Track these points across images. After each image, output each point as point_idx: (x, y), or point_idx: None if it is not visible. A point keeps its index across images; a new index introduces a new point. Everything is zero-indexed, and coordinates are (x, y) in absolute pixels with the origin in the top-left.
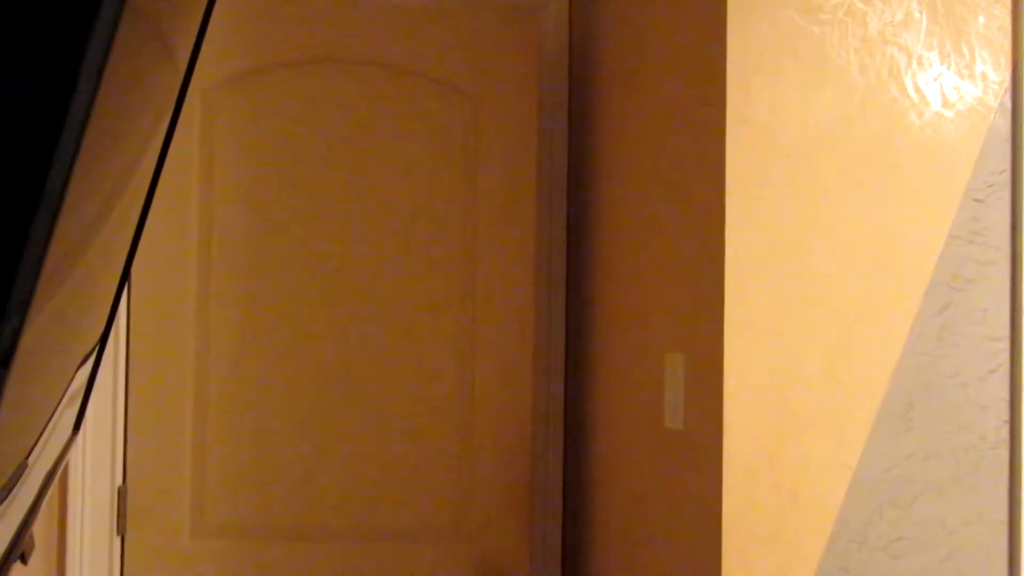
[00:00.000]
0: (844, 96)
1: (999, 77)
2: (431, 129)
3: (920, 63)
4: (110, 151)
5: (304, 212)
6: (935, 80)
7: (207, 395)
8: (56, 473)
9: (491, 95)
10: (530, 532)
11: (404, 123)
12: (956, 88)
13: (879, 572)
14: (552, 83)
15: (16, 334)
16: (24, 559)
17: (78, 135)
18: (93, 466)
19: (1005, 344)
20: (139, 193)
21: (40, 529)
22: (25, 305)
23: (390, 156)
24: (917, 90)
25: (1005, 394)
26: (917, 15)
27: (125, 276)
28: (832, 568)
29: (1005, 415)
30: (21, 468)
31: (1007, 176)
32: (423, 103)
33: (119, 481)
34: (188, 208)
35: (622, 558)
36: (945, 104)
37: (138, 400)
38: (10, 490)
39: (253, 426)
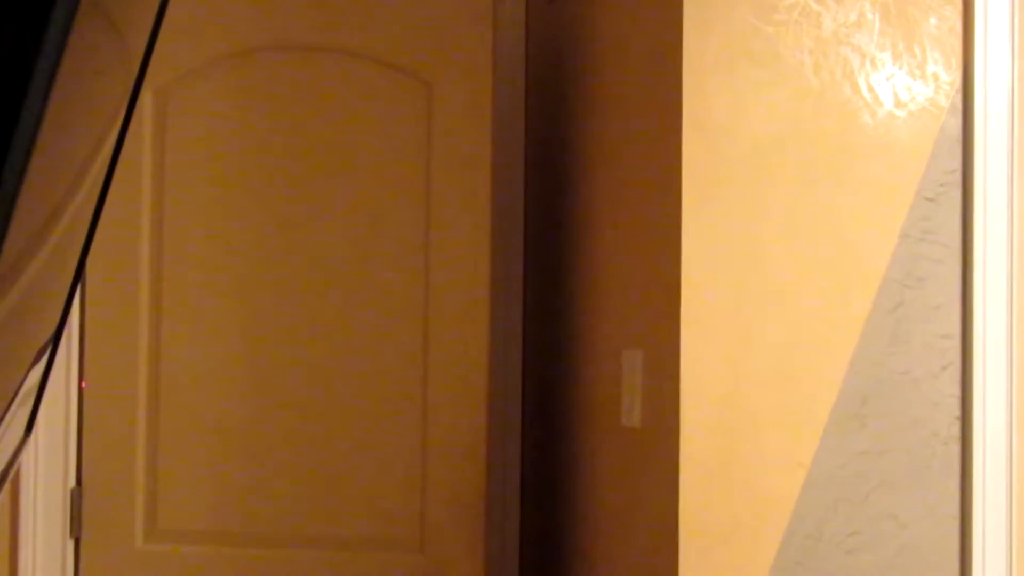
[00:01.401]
0: (799, 96)
1: (950, 78)
2: (385, 115)
3: (873, 63)
4: (65, 149)
5: (255, 207)
6: (888, 80)
7: (159, 398)
8: (8, 476)
9: (446, 80)
10: (486, 538)
11: (357, 110)
12: (908, 88)
13: (834, 567)
14: (510, 73)
15: None
16: None
17: (32, 133)
18: (46, 468)
19: (956, 341)
20: (93, 192)
21: None
22: None
23: (345, 145)
24: (870, 90)
25: (956, 390)
26: (870, 16)
27: (79, 275)
28: (787, 564)
29: (957, 411)
30: None
31: (958, 175)
32: (376, 88)
33: (72, 483)
34: (140, 207)
35: (581, 554)
36: (897, 104)
37: (91, 401)
38: None
39: (206, 430)
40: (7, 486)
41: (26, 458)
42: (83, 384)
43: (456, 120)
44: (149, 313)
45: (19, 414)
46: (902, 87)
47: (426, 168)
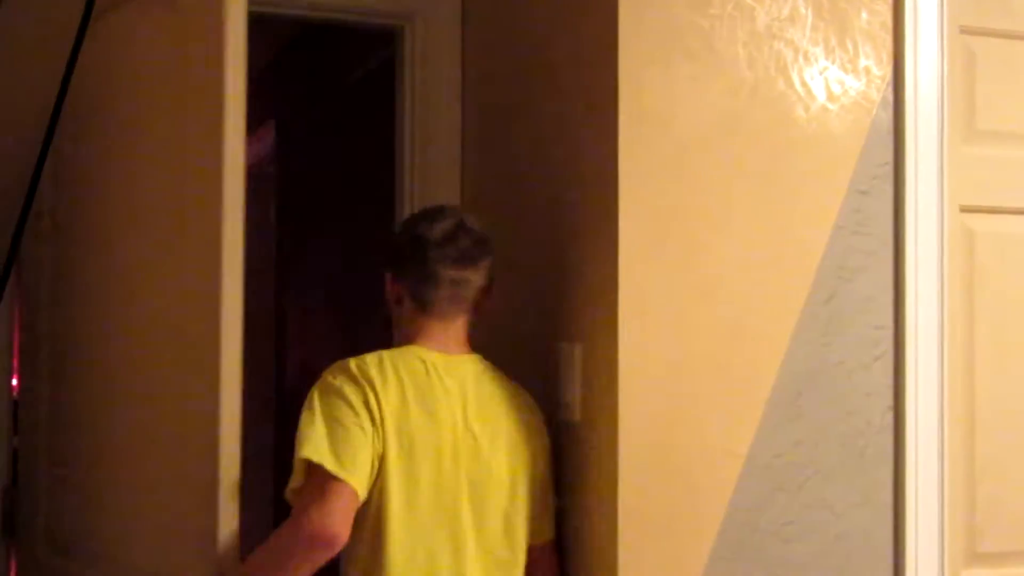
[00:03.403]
0: (733, 89)
1: (881, 72)
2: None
3: (806, 58)
4: None
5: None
6: (820, 74)
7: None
8: None
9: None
10: None
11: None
12: (841, 82)
13: (770, 556)
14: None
15: None
16: None
17: None
18: None
19: (889, 332)
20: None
21: None
22: None
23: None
24: (803, 84)
25: (889, 380)
26: (803, 11)
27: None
28: (725, 553)
29: (890, 401)
30: None
31: (890, 168)
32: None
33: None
34: None
35: None
36: (830, 98)
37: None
38: None
39: (61, 431)
40: None
41: None
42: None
43: None
44: None
45: None
46: (835, 81)
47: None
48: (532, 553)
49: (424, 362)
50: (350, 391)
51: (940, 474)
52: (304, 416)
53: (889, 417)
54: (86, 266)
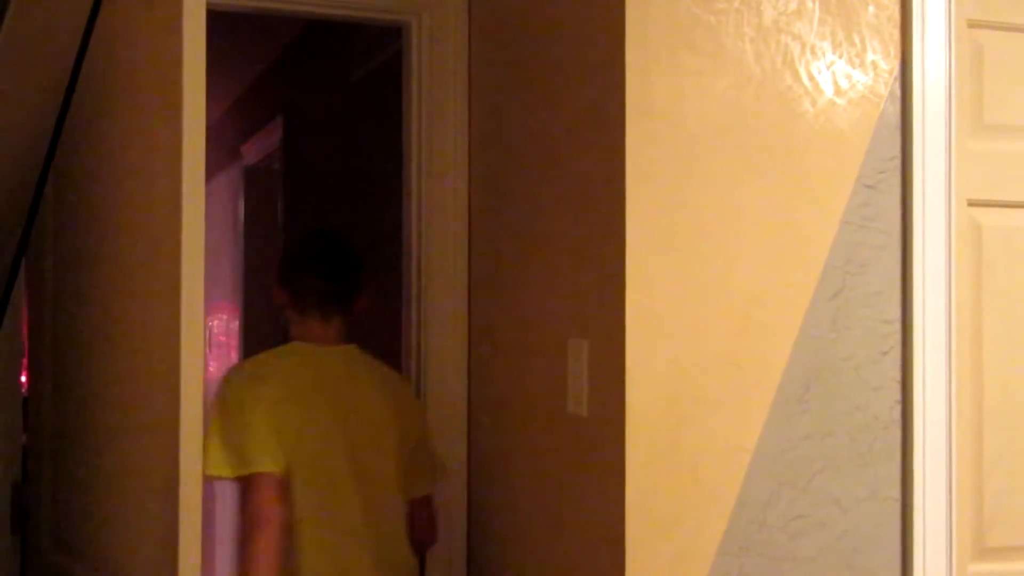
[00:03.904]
0: (740, 84)
1: (889, 66)
2: None
3: (813, 52)
4: None
5: None
6: (828, 69)
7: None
8: None
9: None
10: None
11: None
12: (848, 76)
13: (778, 551)
14: (453, 73)
15: None
16: None
17: None
18: None
19: (897, 326)
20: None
21: None
22: None
23: None
24: (810, 78)
25: (897, 375)
26: (810, 5)
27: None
28: (732, 548)
29: (897, 395)
30: None
31: (897, 163)
32: None
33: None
34: None
35: (527, 544)
36: (837, 92)
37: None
38: None
39: (62, 429)
40: None
41: None
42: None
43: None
44: None
45: None
46: (842, 75)
47: None
48: (412, 505)
49: (304, 354)
50: (244, 388)
51: (948, 468)
52: (205, 431)
53: (897, 411)
54: (78, 263)
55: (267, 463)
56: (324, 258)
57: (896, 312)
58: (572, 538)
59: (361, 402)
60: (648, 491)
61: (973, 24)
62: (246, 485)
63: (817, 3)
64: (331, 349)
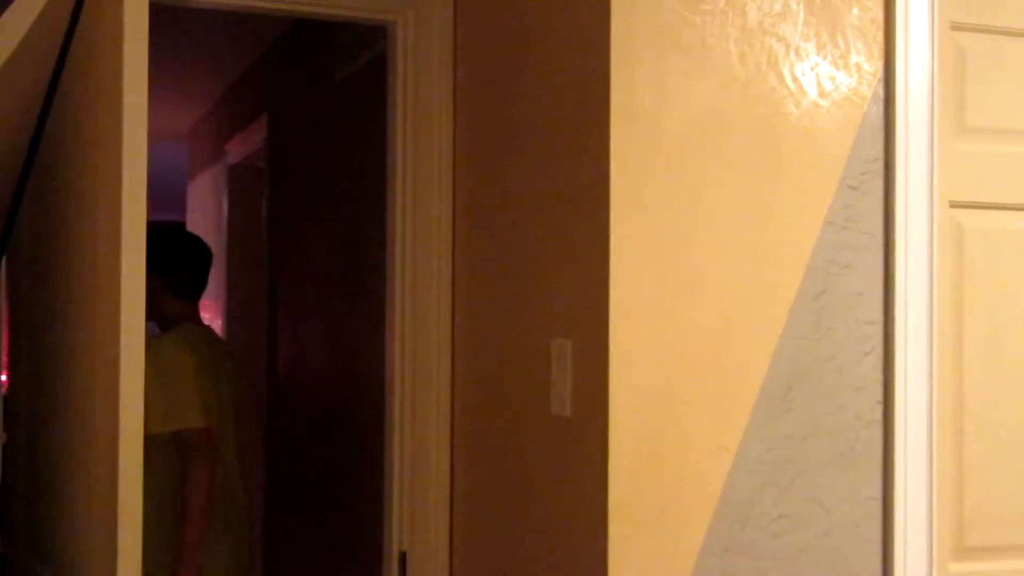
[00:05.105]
0: (725, 85)
1: (872, 68)
2: None
3: (797, 53)
4: None
5: None
6: (812, 70)
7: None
8: None
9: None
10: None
11: None
12: (832, 78)
13: (760, 550)
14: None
15: None
16: None
17: None
18: None
19: (879, 327)
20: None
21: None
22: None
23: None
24: (795, 80)
25: (879, 375)
26: (795, 6)
27: None
28: (715, 548)
29: (879, 396)
30: None
31: (880, 164)
32: None
33: None
34: None
35: (510, 545)
36: (821, 94)
37: None
38: None
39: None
40: None
41: None
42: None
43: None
44: None
45: None
46: (826, 77)
47: None
48: None
49: (199, 333)
50: (184, 356)
51: (929, 468)
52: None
53: (879, 412)
54: (46, 267)
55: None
56: (197, 248)
57: (878, 313)
58: (555, 538)
59: (225, 370)
60: (631, 490)
61: (956, 27)
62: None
63: (802, 5)
64: (205, 328)
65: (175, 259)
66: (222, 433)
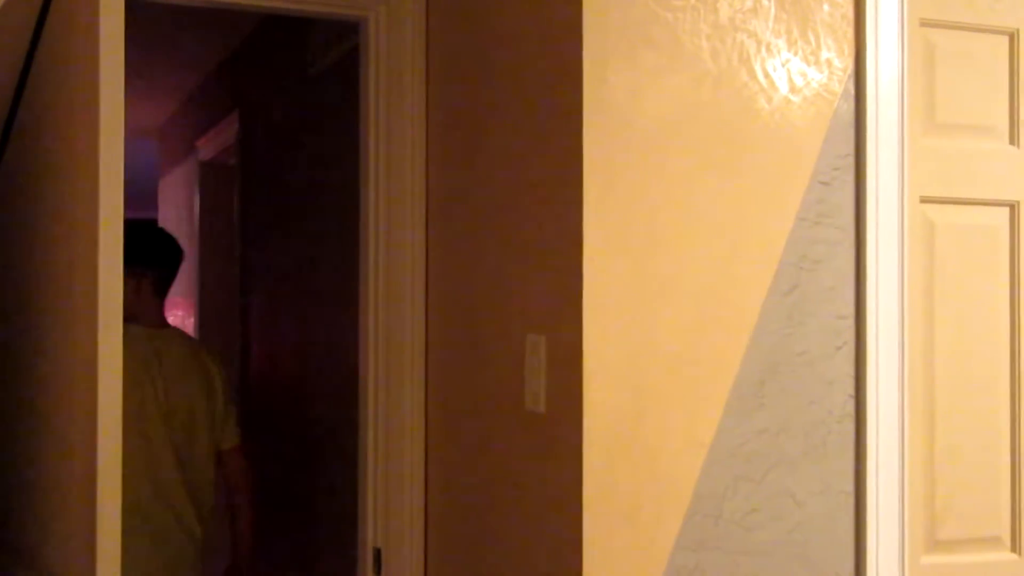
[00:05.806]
0: (697, 81)
1: (843, 64)
2: None
3: (769, 49)
4: None
5: None
6: (783, 66)
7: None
8: None
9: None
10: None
11: None
12: (803, 74)
13: (734, 544)
14: (411, 69)
15: None
16: None
17: None
18: None
19: (851, 322)
20: None
21: None
22: None
23: None
24: (766, 76)
25: (851, 369)
26: (766, 3)
27: None
28: (689, 542)
29: (851, 390)
30: None
31: (851, 160)
32: None
33: None
34: None
35: (484, 541)
36: (792, 90)
37: None
38: None
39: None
40: None
41: None
42: None
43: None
44: None
45: None
46: (797, 73)
47: None
48: (221, 456)
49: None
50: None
51: (900, 462)
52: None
53: (851, 406)
54: (12, 266)
55: None
56: (162, 248)
57: (850, 307)
58: (530, 534)
59: (176, 373)
60: (606, 487)
61: (926, 23)
62: None
63: (773, 1)
64: (165, 328)
65: (150, 252)
66: (142, 437)
